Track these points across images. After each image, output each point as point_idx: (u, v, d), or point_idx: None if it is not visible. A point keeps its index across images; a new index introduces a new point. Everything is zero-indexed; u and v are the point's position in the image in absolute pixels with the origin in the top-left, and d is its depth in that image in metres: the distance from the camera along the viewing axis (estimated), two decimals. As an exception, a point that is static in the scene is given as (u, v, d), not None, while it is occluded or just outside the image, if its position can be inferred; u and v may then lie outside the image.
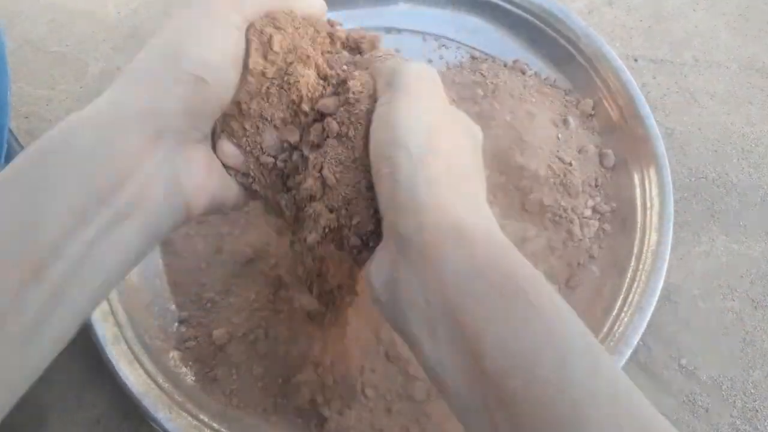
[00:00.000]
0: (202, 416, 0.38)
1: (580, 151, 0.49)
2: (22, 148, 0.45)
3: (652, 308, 0.41)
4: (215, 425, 0.38)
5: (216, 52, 0.25)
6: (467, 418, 0.22)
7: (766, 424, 0.43)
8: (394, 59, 0.29)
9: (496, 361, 0.21)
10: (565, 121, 0.49)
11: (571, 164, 0.47)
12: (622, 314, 0.41)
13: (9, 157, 0.38)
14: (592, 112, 0.51)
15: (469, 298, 0.22)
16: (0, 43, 0.36)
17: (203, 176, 0.26)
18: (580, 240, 0.46)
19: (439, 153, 0.25)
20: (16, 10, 0.59)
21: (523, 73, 0.53)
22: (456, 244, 0.23)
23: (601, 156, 0.49)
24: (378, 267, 0.25)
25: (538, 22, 0.53)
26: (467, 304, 0.22)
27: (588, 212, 0.47)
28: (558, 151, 0.48)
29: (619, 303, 0.42)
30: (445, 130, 0.26)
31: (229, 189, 0.29)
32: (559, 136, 0.49)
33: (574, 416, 0.20)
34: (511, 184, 0.47)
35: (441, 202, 0.23)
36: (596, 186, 0.48)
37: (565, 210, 0.46)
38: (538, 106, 0.50)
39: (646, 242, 0.44)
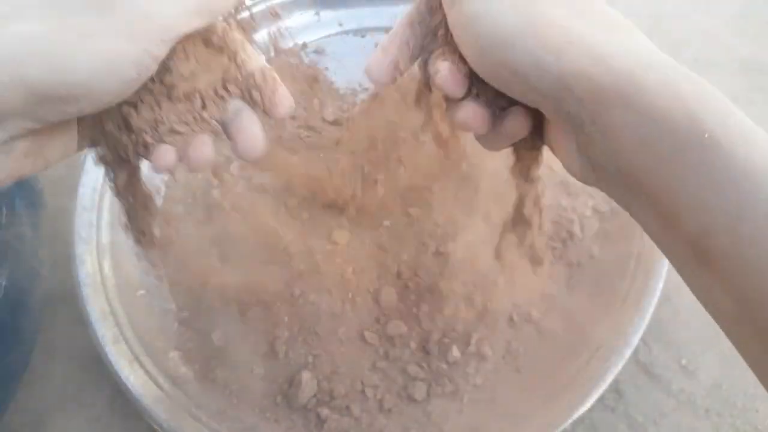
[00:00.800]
0: (202, 416, 0.38)
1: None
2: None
3: (652, 308, 0.41)
4: (215, 425, 0.38)
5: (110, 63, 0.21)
6: (691, 288, 0.21)
7: (766, 424, 0.43)
8: None
9: (694, 224, 0.19)
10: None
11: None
12: (623, 314, 0.41)
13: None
14: None
15: (654, 160, 0.20)
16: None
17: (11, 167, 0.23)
18: (581, 240, 0.46)
19: (543, 15, 0.22)
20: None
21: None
22: (624, 104, 0.21)
23: None
24: (568, 152, 0.24)
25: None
26: (654, 168, 0.20)
27: (588, 212, 0.47)
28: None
29: (619, 303, 0.42)
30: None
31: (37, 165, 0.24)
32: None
33: None
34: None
35: (579, 65, 0.21)
36: None
37: (565, 210, 0.46)
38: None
39: (646, 242, 0.44)
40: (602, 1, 0.25)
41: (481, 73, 0.24)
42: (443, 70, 0.24)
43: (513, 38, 0.22)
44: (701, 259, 0.20)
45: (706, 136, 0.19)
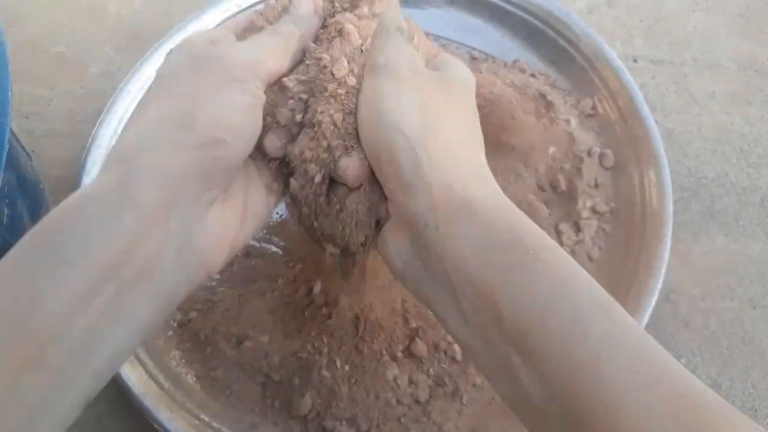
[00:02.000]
0: (202, 416, 0.38)
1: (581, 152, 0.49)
2: (23, 148, 0.46)
3: (651, 308, 0.41)
4: (216, 425, 0.38)
5: (234, 108, 0.25)
6: (496, 381, 0.24)
7: (765, 423, 0.43)
8: (374, 39, 0.29)
9: (513, 320, 0.22)
10: (567, 121, 0.49)
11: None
12: (622, 314, 0.41)
13: (11, 157, 0.38)
14: (592, 112, 0.51)
15: (487, 268, 0.23)
16: (0, 44, 0.36)
17: (219, 232, 0.26)
18: (581, 241, 0.46)
19: (436, 130, 0.25)
20: (17, 11, 0.59)
21: (523, 72, 0.53)
22: (468, 219, 0.24)
23: (601, 156, 0.49)
24: (397, 247, 0.26)
25: (537, 23, 0.53)
26: (485, 274, 0.23)
27: (586, 213, 0.47)
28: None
29: (617, 303, 0.42)
30: (436, 102, 0.26)
31: (251, 225, 0.28)
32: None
33: (592, 365, 0.20)
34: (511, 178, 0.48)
35: (447, 179, 0.24)
36: (596, 186, 0.48)
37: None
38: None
39: (645, 242, 0.44)
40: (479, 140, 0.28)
41: (368, 149, 0.26)
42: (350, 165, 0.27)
43: (407, 138, 0.25)
44: (520, 353, 0.22)
45: (531, 252, 0.23)
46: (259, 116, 0.26)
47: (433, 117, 0.26)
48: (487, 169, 0.27)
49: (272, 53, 0.27)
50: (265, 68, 0.27)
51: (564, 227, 0.46)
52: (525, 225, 0.24)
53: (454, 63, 0.30)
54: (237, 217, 0.27)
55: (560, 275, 0.23)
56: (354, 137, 0.27)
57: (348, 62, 0.28)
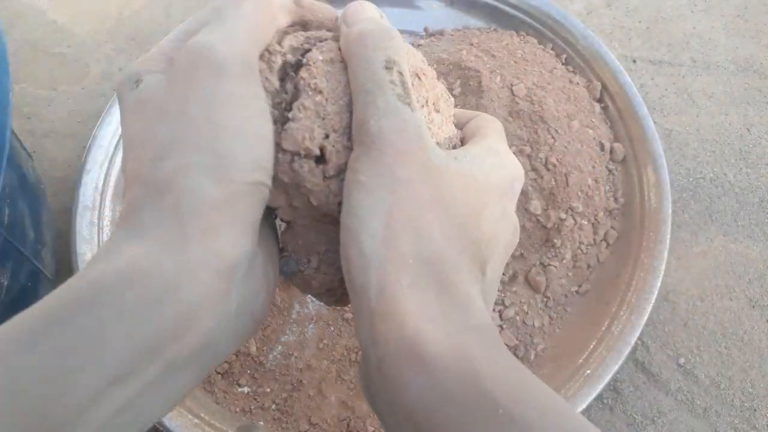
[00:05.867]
0: (203, 415, 0.38)
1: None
2: (24, 148, 0.46)
3: (650, 307, 0.41)
4: (216, 424, 0.38)
5: (259, 140, 0.20)
6: None
7: (764, 423, 0.43)
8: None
9: None
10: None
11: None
12: (621, 313, 0.41)
13: (12, 158, 0.38)
14: (599, 96, 0.50)
15: (440, 428, 0.18)
16: (1, 44, 0.36)
17: (264, 283, 0.22)
18: (591, 245, 0.46)
19: (396, 241, 0.20)
20: (18, 11, 0.59)
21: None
22: (413, 366, 0.18)
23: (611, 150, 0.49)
24: (361, 366, 0.21)
25: (537, 24, 0.53)
26: (434, 425, 0.18)
27: (601, 213, 0.47)
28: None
29: (617, 302, 0.42)
30: (412, 202, 0.20)
31: (275, 264, 0.24)
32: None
33: None
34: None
35: (393, 309, 0.19)
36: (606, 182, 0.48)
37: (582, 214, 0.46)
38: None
39: (644, 242, 0.44)
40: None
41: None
42: None
43: (361, 253, 0.20)
44: None
45: (500, 412, 0.17)
46: (272, 140, 0.21)
47: (410, 228, 0.20)
48: (477, 296, 0.21)
49: (254, 31, 0.21)
50: (256, 56, 0.22)
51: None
52: (490, 377, 0.18)
53: (494, 147, 0.23)
54: (270, 262, 0.23)
55: None
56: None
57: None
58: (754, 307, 0.47)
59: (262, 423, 0.39)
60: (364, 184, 0.20)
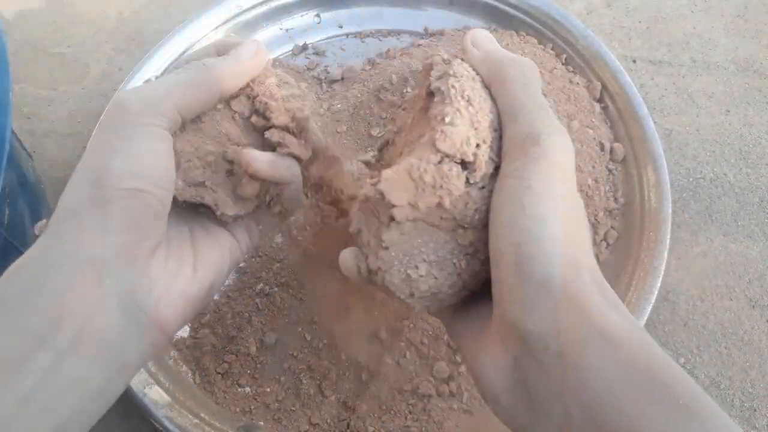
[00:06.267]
0: (203, 415, 0.38)
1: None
2: (24, 148, 0.46)
3: (650, 308, 0.41)
4: (216, 423, 0.38)
5: (143, 156, 0.24)
6: None
7: (764, 423, 0.43)
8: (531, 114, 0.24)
9: None
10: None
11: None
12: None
13: (12, 157, 0.38)
14: (599, 96, 0.50)
15: (618, 411, 0.19)
16: (1, 44, 0.36)
17: (166, 285, 0.24)
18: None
19: (572, 243, 0.22)
20: (18, 11, 0.60)
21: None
22: (602, 351, 0.20)
23: (611, 150, 0.49)
24: (497, 366, 0.22)
25: (537, 24, 0.53)
26: (616, 417, 0.19)
27: (600, 213, 0.47)
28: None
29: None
30: (575, 211, 0.23)
31: (207, 273, 0.27)
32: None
33: None
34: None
35: (579, 300, 0.21)
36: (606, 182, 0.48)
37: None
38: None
39: (644, 242, 0.44)
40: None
41: (492, 247, 0.23)
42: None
43: (544, 250, 0.21)
44: None
45: (680, 403, 0.19)
46: (166, 158, 0.25)
47: (569, 227, 0.22)
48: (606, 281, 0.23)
49: (176, 88, 0.25)
50: (170, 104, 0.25)
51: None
52: (667, 365, 0.20)
53: (557, 127, 0.24)
54: (186, 266, 0.26)
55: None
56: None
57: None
58: (754, 307, 0.47)
59: (262, 423, 0.39)
60: (536, 190, 0.22)
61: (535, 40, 0.53)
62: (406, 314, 0.41)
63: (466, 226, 0.23)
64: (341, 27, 0.55)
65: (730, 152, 0.54)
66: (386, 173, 0.23)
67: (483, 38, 0.27)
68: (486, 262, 0.24)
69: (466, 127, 0.23)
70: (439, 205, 0.23)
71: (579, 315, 0.21)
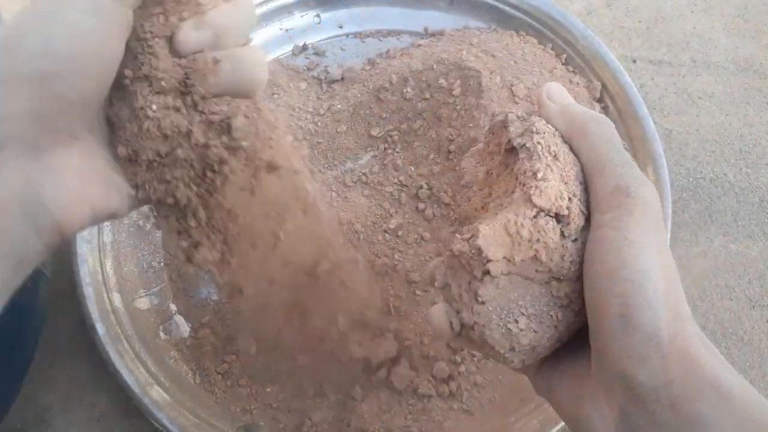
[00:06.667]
0: (203, 415, 0.38)
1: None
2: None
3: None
4: (216, 423, 0.38)
5: (68, 36, 0.20)
6: None
7: (764, 423, 0.43)
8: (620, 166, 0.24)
9: None
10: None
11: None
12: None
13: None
14: (599, 96, 0.51)
15: None
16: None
17: (75, 185, 0.22)
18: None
19: (674, 295, 0.22)
20: (18, 11, 0.59)
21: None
22: (718, 403, 0.20)
23: None
24: (603, 416, 0.23)
25: (537, 24, 0.53)
26: None
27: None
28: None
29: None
30: (671, 264, 0.23)
31: (117, 191, 0.24)
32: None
33: None
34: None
35: (688, 353, 0.21)
36: None
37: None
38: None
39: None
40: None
41: (592, 300, 0.23)
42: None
43: (648, 299, 0.21)
44: None
45: None
46: (113, 45, 0.21)
47: (668, 278, 0.22)
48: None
49: None
50: None
51: None
52: None
53: (645, 180, 0.24)
54: (97, 172, 0.23)
55: None
56: None
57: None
58: (754, 307, 0.47)
59: (262, 423, 0.39)
60: (633, 242, 0.22)
61: (535, 40, 0.53)
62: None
63: (561, 278, 0.24)
64: (341, 27, 0.56)
65: (730, 152, 0.54)
66: (484, 229, 0.24)
67: (558, 92, 0.28)
68: (579, 313, 0.24)
69: (557, 181, 0.24)
70: (535, 258, 0.24)
71: (689, 367, 0.21)
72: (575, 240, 0.24)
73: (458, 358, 0.41)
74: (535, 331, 0.24)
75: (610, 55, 0.51)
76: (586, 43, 0.51)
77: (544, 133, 0.25)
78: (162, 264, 0.45)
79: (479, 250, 0.23)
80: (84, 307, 0.40)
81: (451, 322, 0.25)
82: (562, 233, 0.24)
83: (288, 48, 0.54)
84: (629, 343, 0.21)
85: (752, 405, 0.20)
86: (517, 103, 0.46)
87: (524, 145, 0.25)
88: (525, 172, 0.25)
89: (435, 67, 0.49)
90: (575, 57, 0.52)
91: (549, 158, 0.25)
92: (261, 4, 0.53)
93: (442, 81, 0.48)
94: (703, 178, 0.53)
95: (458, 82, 0.48)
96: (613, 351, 0.22)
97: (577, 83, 0.50)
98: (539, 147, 0.25)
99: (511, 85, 0.47)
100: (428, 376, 0.40)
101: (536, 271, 0.24)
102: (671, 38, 0.61)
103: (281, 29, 0.55)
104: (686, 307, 0.23)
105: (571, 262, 0.24)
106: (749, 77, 0.58)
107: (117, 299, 0.41)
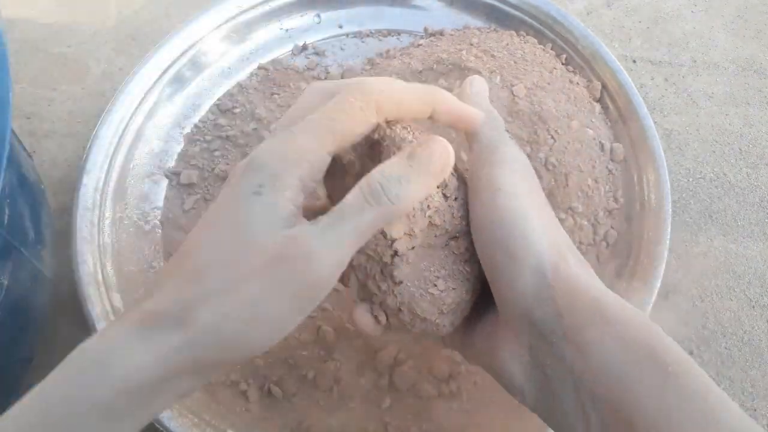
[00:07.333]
0: (204, 415, 0.38)
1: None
2: (24, 148, 0.46)
3: (649, 308, 0.41)
4: (217, 424, 0.38)
5: (268, 336, 0.23)
6: None
7: (764, 423, 0.43)
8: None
9: None
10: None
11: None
12: (621, 313, 0.41)
13: (12, 158, 0.38)
14: (599, 96, 0.50)
15: (619, 383, 0.21)
16: (1, 44, 0.36)
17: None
18: (590, 245, 0.46)
19: (550, 229, 0.24)
20: (18, 11, 0.59)
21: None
22: (602, 327, 0.22)
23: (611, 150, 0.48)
24: (515, 357, 0.24)
25: (537, 24, 0.53)
26: (618, 390, 0.21)
27: (600, 213, 0.47)
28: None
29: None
30: (543, 203, 0.25)
31: None
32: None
33: None
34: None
35: (570, 280, 0.23)
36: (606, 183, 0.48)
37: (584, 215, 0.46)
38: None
39: (644, 242, 0.44)
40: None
41: (481, 249, 0.25)
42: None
43: (530, 241, 0.23)
44: None
45: (669, 369, 0.21)
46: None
47: (552, 221, 0.25)
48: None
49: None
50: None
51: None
52: (661, 339, 0.22)
53: (509, 140, 0.28)
54: None
55: (704, 404, 0.21)
56: None
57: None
58: (754, 307, 0.47)
59: (262, 423, 0.39)
60: (504, 189, 0.24)
61: (535, 40, 0.53)
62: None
63: (457, 235, 0.26)
64: (341, 27, 0.56)
65: (731, 152, 0.54)
66: None
67: (478, 88, 0.32)
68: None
69: None
70: (431, 224, 0.25)
71: (574, 295, 0.22)
72: (456, 198, 0.26)
73: (458, 358, 0.41)
74: (454, 288, 0.26)
75: (610, 55, 0.51)
76: (586, 43, 0.51)
77: (396, 127, 0.27)
78: (162, 264, 0.45)
79: (383, 234, 0.24)
80: (84, 307, 0.40)
81: (376, 317, 0.26)
82: (444, 195, 0.25)
83: (288, 48, 0.54)
84: (519, 279, 0.23)
85: (629, 326, 0.22)
86: (517, 103, 0.46)
87: (385, 133, 0.27)
88: (393, 152, 0.26)
89: (435, 67, 0.49)
90: (575, 57, 0.52)
91: (412, 134, 0.26)
92: (261, 4, 0.53)
93: (442, 81, 0.48)
94: (703, 178, 0.53)
95: (458, 82, 0.48)
96: (509, 292, 0.24)
97: (577, 83, 0.50)
98: (401, 132, 0.26)
99: (511, 84, 0.47)
100: (428, 376, 0.40)
101: (435, 236, 0.26)
102: (671, 38, 0.60)
103: (281, 29, 0.55)
104: (566, 238, 0.25)
105: (460, 217, 0.26)
106: (749, 77, 0.58)
107: (117, 299, 0.41)
